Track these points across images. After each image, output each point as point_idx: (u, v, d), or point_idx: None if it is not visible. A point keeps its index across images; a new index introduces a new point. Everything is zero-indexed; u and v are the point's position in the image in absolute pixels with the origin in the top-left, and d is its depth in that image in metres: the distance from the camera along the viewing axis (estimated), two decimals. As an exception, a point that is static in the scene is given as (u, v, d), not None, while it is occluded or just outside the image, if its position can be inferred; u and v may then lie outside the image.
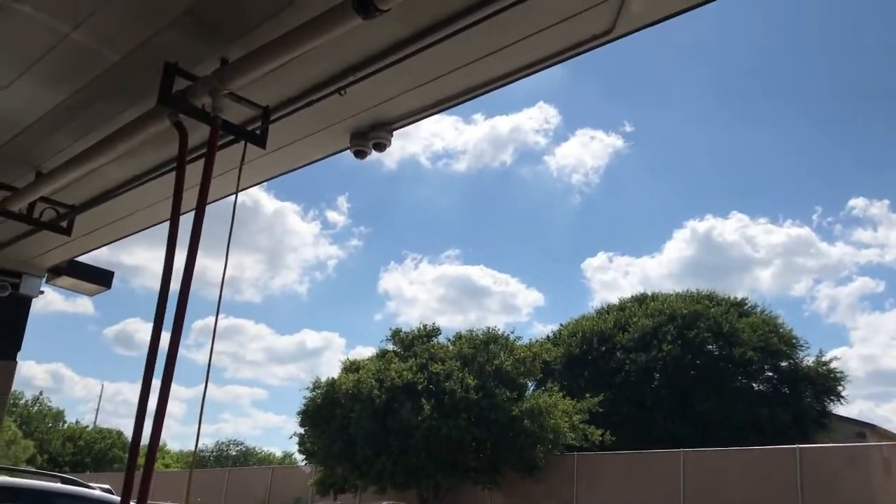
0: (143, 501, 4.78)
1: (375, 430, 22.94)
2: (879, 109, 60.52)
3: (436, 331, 27.50)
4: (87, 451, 50.02)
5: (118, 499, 4.38)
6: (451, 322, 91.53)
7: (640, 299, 33.78)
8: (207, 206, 4.48)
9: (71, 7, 3.93)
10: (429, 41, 3.92)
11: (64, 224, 6.35)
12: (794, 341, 30.52)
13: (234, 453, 55.56)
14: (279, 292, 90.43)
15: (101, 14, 3.93)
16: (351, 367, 26.18)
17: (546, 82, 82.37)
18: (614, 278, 65.75)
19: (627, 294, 37.15)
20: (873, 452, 19.44)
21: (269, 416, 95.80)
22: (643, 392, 29.06)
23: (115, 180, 5.84)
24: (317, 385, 25.77)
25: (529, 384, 27.08)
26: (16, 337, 7.02)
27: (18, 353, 7.06)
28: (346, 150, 5.08)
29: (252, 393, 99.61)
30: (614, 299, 37.81)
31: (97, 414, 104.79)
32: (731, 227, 62.64)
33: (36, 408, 53.31)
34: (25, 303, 7.12)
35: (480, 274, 75.12)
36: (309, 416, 25.43)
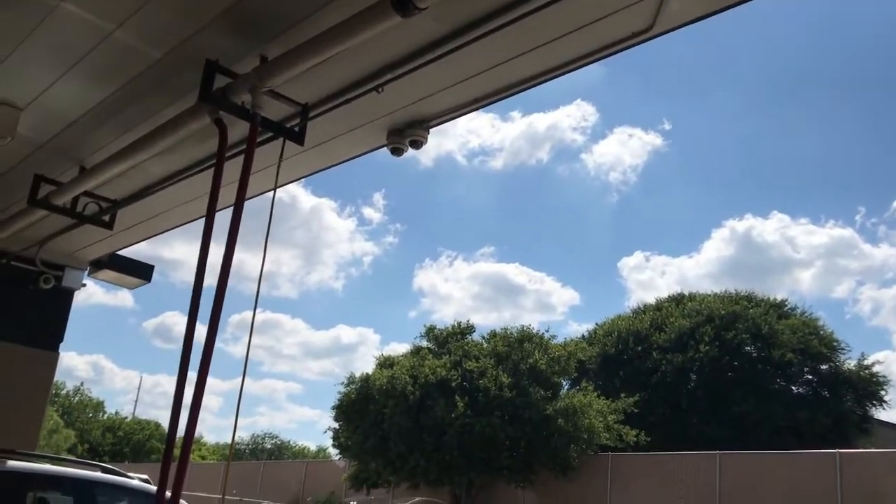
0: (177, 492, 4.86)
1: (409, 426, 23.00)
2: (926, 108, 59.09)
3: (470, 328, 27.49)
4: (126, 442, 50.90)
5: (155, 489, 4.45)
6: (486, 320, 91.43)
7: (677, 299, 33.41)
8: (245, 202, 4.53)
9: (114, 6, 4.00)
10: (465, 39, 3.92)
11: (106, 218, 6.47)
12: (835, 344, 29.94)
13: (269, 446, 56.14)
14: (315, 288, 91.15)
15: (143, 13, 4.00)
16: (385, 363, 26.28)
17: (584, 80, 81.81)
18: (651, 278, 65.10)
19: (664, 294, 36.78)
20: (916, 459, 19.02)
21: (304, 411, 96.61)
22: (679, 393, 28.75)
23: (155, 176, 5.94)
24: (351, 380, 25.91)
25: (564, 383, 26.94)
26: (58, 328, 7.17)
27: (60, 345, 7.21)
28: (382, 147, 5.11)
29: (287, 387, 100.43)
30: (651, 299, 37.49)
31: (136, 405, 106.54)
32: (771, 227, 61.56)
33: (77, 398, 54.43)
34: (68, 295, 7.27)
35: (515, 272, 74.88)
36: (343, 410, 25.57)
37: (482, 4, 3.70)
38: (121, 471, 5.81)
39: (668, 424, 27.09)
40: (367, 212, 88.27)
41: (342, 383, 26.26)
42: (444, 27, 3.90)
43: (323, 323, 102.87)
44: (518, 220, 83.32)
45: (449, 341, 26.35)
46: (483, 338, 27.20)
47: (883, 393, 28.70)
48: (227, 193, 4.57)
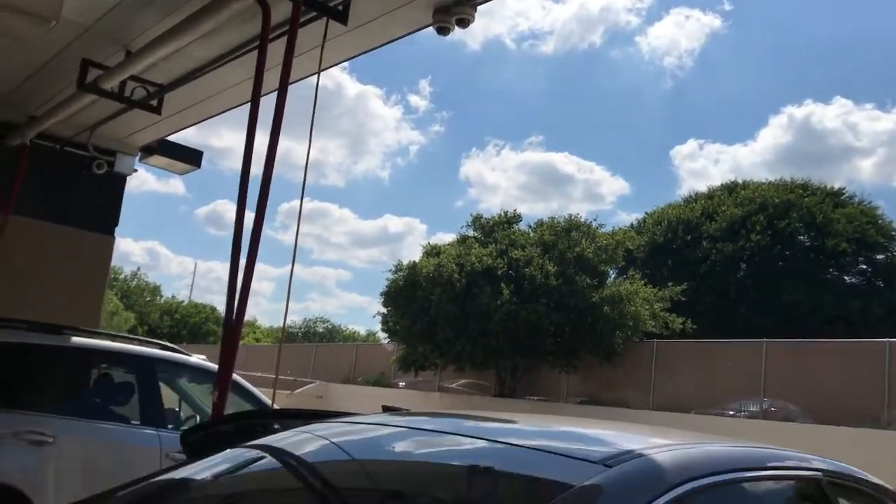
0: (228, 370, 5.04)
1: (455, 312, 23.40)
2: None
3: (517, 217, 27.46)
4: (184, 325, 52.90)
5: (215, 366, 4.62)
6: (532, 210, 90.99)
7: (730, 188, 32.76)
8: (289, 88, 4.47)
9: None
10: None
11: (154, 102, 6.49)
12: (893, 233, 29.31)
13: (321, 330, 57.92)
14: (362, 177, 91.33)
15: None
16: (432, 252, 26.53)
17: (639, -42, 77.83)
18: (704, 166, 63.59)
19: (717, 183, 35.91)
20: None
21: (353, 297, 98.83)
22: (728, 282, 28.60)
23: (200, 60, 5.90)
24: (399, 268, 26.29)
25: (611, 272, 26.99)
26: (113, 213, 7.33)
27: (116, 229, 7.38)
28: (428, 26, 4.94)
29: (337, 274, 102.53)
30: (703, 188, 36.76)
31: (192, 290, 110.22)
32: (832, 114, 59.13)
33: (135, 283, 56.40)
34: (121, 181, 7.39)
35: (564, 161, 73.72)
36: (391, 297, 26.09)
37: None
38: (180, 349, 6.04)
39: (715, 313, 27.10)
40: (414, 99, 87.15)
41: (390, 271, 26.71)
42: None
43: (370, 213, 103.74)
44: (568, 108, 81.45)
45: (495, 230, 26.41)
46: (530, 227, 27.21)
47: (940, 283, 28.16)
48: (272, 77, 4.51)
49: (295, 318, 59.27)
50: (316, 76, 5.09)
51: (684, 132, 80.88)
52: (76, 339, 5.38)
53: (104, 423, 5.16)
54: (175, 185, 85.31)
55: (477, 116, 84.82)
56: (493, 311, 22.67)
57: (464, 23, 4.75)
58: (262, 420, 3.39)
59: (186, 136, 7.87)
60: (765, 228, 28.47)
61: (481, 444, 2.22)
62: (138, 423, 5.27)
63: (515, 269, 23.82)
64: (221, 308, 5.45)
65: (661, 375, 22.73)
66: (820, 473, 2.28)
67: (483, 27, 71.26)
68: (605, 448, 2.01)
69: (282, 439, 2.51)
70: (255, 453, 2.46)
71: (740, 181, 33.38)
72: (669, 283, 25.57)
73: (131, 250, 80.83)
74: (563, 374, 24.38)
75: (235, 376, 5.49)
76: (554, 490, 1.77)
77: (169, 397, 5.93)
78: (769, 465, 2.28)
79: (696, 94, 72.76)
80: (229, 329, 4.30)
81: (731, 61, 70.60)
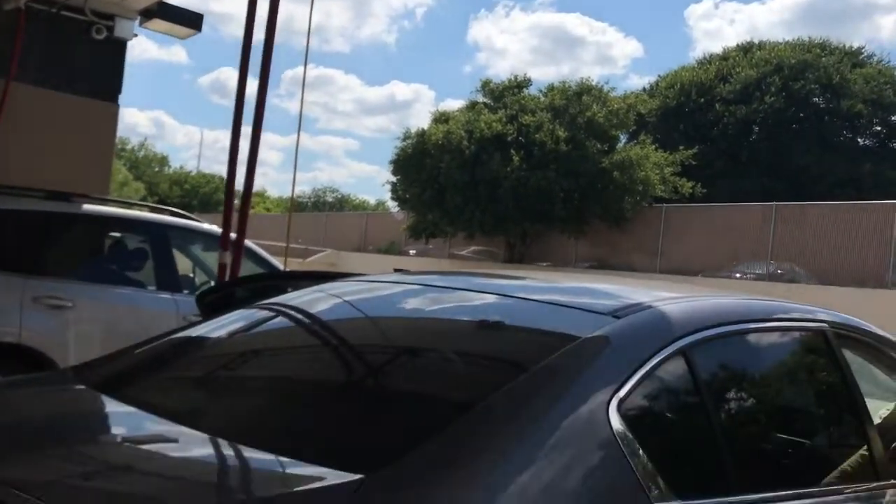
0: (241, 235, 5.10)
1: (465, 180, 23.35)
2: None
3: (527, 82, 26.89)
4: (194, 195, 52.99)
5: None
6: (543, 75, 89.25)
7: (746, 48, 31.75)
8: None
9: None
10: None
11: (149, -38, 6.22)
12: (910, 94, 28.64)
13: (330, 199, 58.08)
14: (367, 42, 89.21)
15: None
16: (440, 119, 26.20)
17: None
18: (719, 26, 61.74)
19: (732, 44, 34.73)
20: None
21: (362, 166, 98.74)
22: (740, 146, 28.25)
23: (194, -87, 5.61)
24: (407, 135, 26.05)
25: (621, 137, 26.68)
26: (115, 79, 7.19)
27: (119, 97, 7.27)
28: None
29: (344, 143, 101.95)
30: (718, 49, 35.67)
31: (199, 160, 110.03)
32: (854, -32, 56.67)
33: (142, 153, 56.08)
34: (121, 46, 7.21)
35: (576, 22, 71.76)
36: (400, 165, 25.99)
37: None
38: (192, 216, 6.07)
39: (726, 177, 26.94)
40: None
41: (398, 138, 26.51)
42: None
43: (377, 79, 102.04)
44: (580, -35, 78.03)
45: (505, 95, 25.95)
46: (540, 91, 26.71)
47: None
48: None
49: (304, 188, 59.40)
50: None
51: (701, -10, 77.76)
52: (92, 207, 5.41)
53: (121, 288, 5.27)
54: (177, 52, 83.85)
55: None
56: (503, 177, 22.62)
57: None
58: (276, 281, 3.45)
59: (186, 2, 7.60)
60: (779, 90, 27.82)
61: (492, 298, 2.25)
62: (154, 288, 5.38)
63: (525, 136, 23.57)
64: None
65: (670, 240, 22.89)
66: (826, 325, 2.32)
67: None
68: (614, 301, 2.03)
69: (296, 297, 2.56)
70: (268, 312, 2.51)
71: (756, 42, 32.37)
72: (681, 148, 25.31)
73: (137, 121, 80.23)
74: (571, 239, 24.60)
75: (248, 242, 5.56)
76: (564, 340, 1.81)
77: (183, 265, 6.02)
78: (776, 316, 2.31)
79: (714, -51, 69.43)
80: (230, 196, 4.30)
81: (752, -88, 66.86)
